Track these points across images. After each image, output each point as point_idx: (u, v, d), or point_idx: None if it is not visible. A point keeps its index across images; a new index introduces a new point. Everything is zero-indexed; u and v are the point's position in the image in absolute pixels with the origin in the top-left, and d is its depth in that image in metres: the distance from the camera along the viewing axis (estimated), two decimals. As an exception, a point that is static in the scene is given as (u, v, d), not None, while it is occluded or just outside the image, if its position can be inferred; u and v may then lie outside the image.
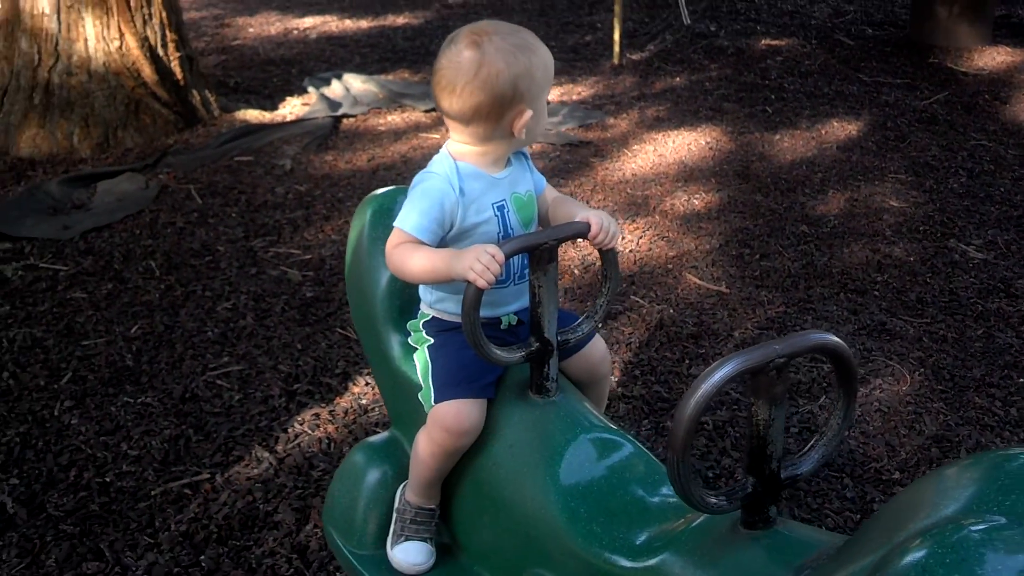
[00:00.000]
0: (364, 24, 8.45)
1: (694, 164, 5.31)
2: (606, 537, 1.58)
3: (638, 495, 1.67)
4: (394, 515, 1.99)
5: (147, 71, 5.33)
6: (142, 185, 4.82)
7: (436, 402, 1.83)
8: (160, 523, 2.68)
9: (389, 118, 6.04)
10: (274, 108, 6.10)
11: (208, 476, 2.86)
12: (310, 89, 6.41)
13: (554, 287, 1.77)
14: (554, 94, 6.58)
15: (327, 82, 6.52)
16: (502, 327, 1.91)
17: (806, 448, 1.47)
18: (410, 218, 1.78)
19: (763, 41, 7.86)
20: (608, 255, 1.83)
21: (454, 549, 1.98)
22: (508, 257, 1.66)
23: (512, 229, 1.85)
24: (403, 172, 5.11)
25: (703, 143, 5.62)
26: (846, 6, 9.18)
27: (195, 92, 5.65)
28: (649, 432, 3.03)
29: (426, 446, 1.85)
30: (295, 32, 8.15)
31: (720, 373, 1.29)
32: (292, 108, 6.12)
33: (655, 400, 3.19)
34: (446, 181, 1.80)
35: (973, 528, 0.97)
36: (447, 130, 1.92)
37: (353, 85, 6.47)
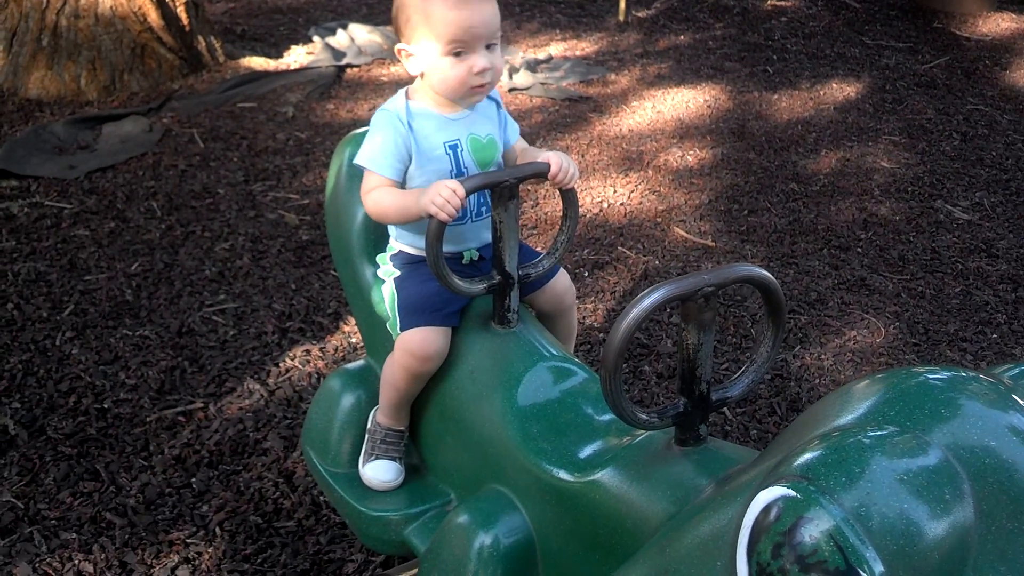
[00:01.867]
0: (373, -25, 8.48)
1: (691, 121, 5.38)
2: (554, 454, 1.70)
3: (587, 414, 1.78)
4: (366, 436, 2.10)
5: (153, 16, 5.41)
6: (146, 128, 4.91)
7: (402, 330, 1.93)
8: (154, 447, 2.81)
9: (392, 69, 6.10)
10: (279, 56, 6.17)
11: (201, 405, 2.99)
12: (315, 38, 6.47)
13: (515, 223, 1.87)
14: (557, 49, 6.63)
15: (332, 32, 6.58)
16: (463, 262, 2.01)
17: (737, 374, 1.57)
18: (372, 155, 1.88)
19: (769, 2, 7.88)
20: (568, 195, 1.92)
21: (421, 468, 2.10)
22: (469, 193, 1.76)
23: (465, 168, 1.93)
24: (403, 122, 5.19)
25: (702, 101, 5.68)
26: (856, -32, 9.16)
27: (200, 38, 5.72)
28: (627, 375, 3.14)
29: (394, 371, 1.96)
30: (303, -18, 8.19)
31: (651, 298, 1.38)
32: (297, 57, 6.19)
33: (635, 346, 3.30)
34: (395, 116, 1.89)
35: (862, 434, 1.06)
36: None
37: (358, 35, 6.52)
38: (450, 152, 1.91)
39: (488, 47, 1.84)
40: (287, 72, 5.82)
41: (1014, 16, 7.45)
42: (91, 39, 5.30)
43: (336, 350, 3.28)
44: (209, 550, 2.46)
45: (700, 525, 1.24)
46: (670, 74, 6.18)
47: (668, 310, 3.50)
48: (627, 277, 3.72)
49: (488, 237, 1.96)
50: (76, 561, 2.41)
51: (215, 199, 4.28)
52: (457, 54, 1.82)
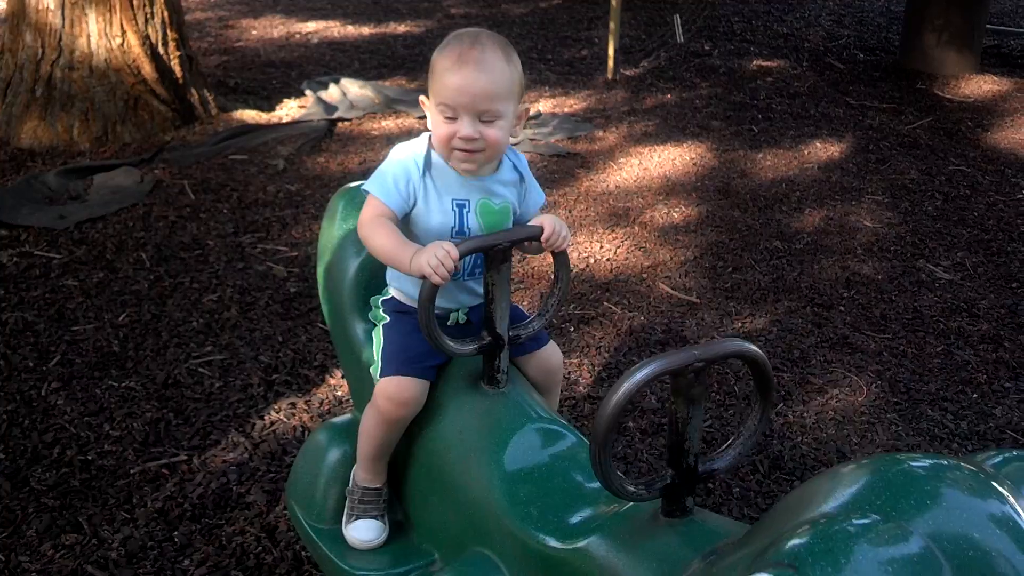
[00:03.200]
0: (366, 30, 8.60)
1: (677, 179, 5.45)
2: (541, 519, 1.70)
3: (576, 481, 1.79)
4: (347, 500, 2.11)
5: (147, 68, 5.47)
6: (137, 179, 4.95)
7: (381, 376, 1.97)
8: (137, 500, 2.80)
9: (383, 123, 6.18)
10: (271, 109, 6.24)
11: (185, 458, 2.99)
12: (307, 92, 6.55)
13: (506, 285, 1.90)
14: (546, 106, 6.73)
15: (325, 86, 6.66)
16: (449, 323, 2.04)
17: (724, 446, 1.60)
18: (380, 183, 1.92)
19: (755, 62, 8.01)
20: (559, 257, 1.96)
21: (406, 526, 2.10)
22: (463, 255, 1.79)
23: (468, 229, 1.95)
24: (393, 176, 5.24)
25: (688, 159, 5.76)
26: (840, 30, 9.34)
27: (194, 90, 5.79)
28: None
29: (370, 417, 1.98)
30: (297, 36, 8.30)
31: (642, 373, 1.41)
32: (289, 110, 6.26)
33: (619, 402, 3.31)
34: (412, 158, 1.93)
35: (848, 523, 1.08)
36: None
37: (350, 90, 6.61)
38: (456, 210, 1.94)
39: (483, 119, 1.87)
40: (279, 125, 5.89)
41: (995, 78, 7.60)
42: (85, 90, 5.36)
43: (322, 403, 3.28)
44: (190, 605, 2.45)
45: None
46: (656, 132, 6.27)
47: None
48: (612, 332, 3.75)
49: (476, 300, 1.99)
50: (56, 615, 2.40)
51: (204, 251, 4.30)
52: (447, 117, 1.86)
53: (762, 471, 3.02)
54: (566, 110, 6.67)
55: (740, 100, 7.03)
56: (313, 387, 3.38)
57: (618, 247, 4.52)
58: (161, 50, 5.55)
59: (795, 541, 1.07)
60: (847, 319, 4.00)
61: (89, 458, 2.95)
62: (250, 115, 6.00)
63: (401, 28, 8.81)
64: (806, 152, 6.03)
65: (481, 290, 1.96)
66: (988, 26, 8.33)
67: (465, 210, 1.95)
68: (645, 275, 4.25)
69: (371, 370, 2.02)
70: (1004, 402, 3.42)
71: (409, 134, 5.96)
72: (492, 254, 1.85)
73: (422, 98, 1.95)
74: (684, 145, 5.99)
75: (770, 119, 6.65)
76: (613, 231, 4.70)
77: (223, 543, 2.66)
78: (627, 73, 7.62)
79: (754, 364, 1.50)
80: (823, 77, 7.68)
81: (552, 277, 2.01)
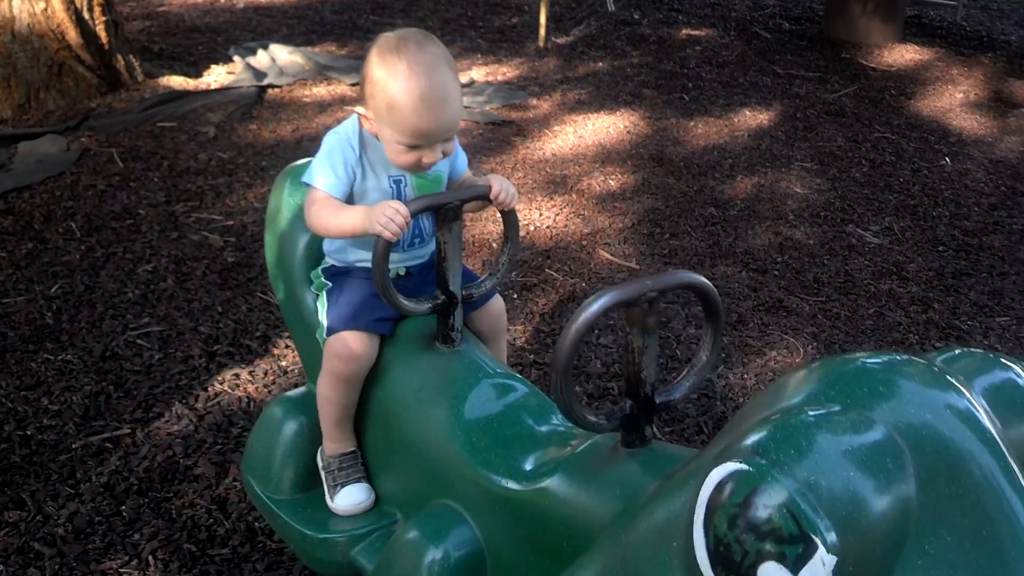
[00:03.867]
0: (292, -4, 8.46)
1: (612, 146, 5.48)
2: (502, 465, 1.73)
3: (530, 426, 1.83)
4: (322, 475, 2.10)
5: (72, 34, 5.30)
6: (63, 147, 4.81)
7: (328, 335, 1.97)
8: (81, 475, 2.75)
9: (314, 90, 6.09)
10: (198, 75, 6.10)
11: (128, 431, 2.94)
12: (235, 58, 6.42)
13: (458, 244, 1.91)
14: (479, 74, 6.70)
15: (253, 52, 6.54)
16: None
17: (679, 377, 1.63)
18: (321, 175, 1.93)
19: (684, 31, 8.08)
20: (509, 217, 1.98)
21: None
22: (414, 214, 1.80)
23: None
24: (327, 144, 5.18)
25: (621, 127, 5.80)
26: (765, 0, 9.45)
27: (119, 56, 5.63)
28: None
29: (324, 380, 1.99)
30: (222, 1, 8.11)
31: (598, 304, 1.44)
32: (217, 76, 6.13)
33: (564, 367, 3.34)
34: (347, 140, 1.95)
35: (808, 412, 1.12)
36: None
37: (279, 56, 6.49)
38: (393, 186, 1.98)
39: (446, 139, 1.90)
40: (208, 92, 5.76)
41: (917, 48, 7.77)
42: (6, 56, 5.17)
43: (266, 374, 3.25)
44: (142, 578, 2.42)
45: (654, 511, 1.29)
46: (590, 100, 6.29)
47: (597, 331, 3.56)
48: (555, 299, 3.78)
49: (419, 258, 2.01)
50: (3, 592, 2.35)
51: (136, 220, 4.21)
52: (411, 147, 1.88)
53: (706, 432, 3.08)
54: (499, 78, 6.65)
55: (670, 69, 7.09)
56: (256, 358, 3.34)
57: (557, 214, 4.54)
58: (86, 15, 5.38)
59: (757, 433, 1.10)
60: (782, 283, 4.09)
61: (28, 433, 2.89)
62: (177, 81, 5.86)
63: (328, -6, 8.67)
64: (736, 120, 6.12)
65: (422, 251, 2.00)
66: (908, -4, 8.52)
67: (402, 184, 2.00)
68: (585, 242, 4.28)
69: (317, 335, 2.03)
70: (934, 362, 3.54)
71: (342, 101, 5.90)
72: (443, 213, 1.87)
73: (360, 112, 1.95)
74: (617, 113, 6.03)
75: (700, 88, 6.72)
76: (552, 199, 4.71)
77: (173, 516, 2.63)
78: (558, 41, 7.62)
79: (703, 294, 1.54)
80: (750, 46, 7.77)
81: (502, 237, 2.03)
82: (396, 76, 1.84)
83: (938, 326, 3.80)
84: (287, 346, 3.41)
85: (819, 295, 4.01)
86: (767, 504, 1.03)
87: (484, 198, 1.91)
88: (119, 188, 4.49)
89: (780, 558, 1.02)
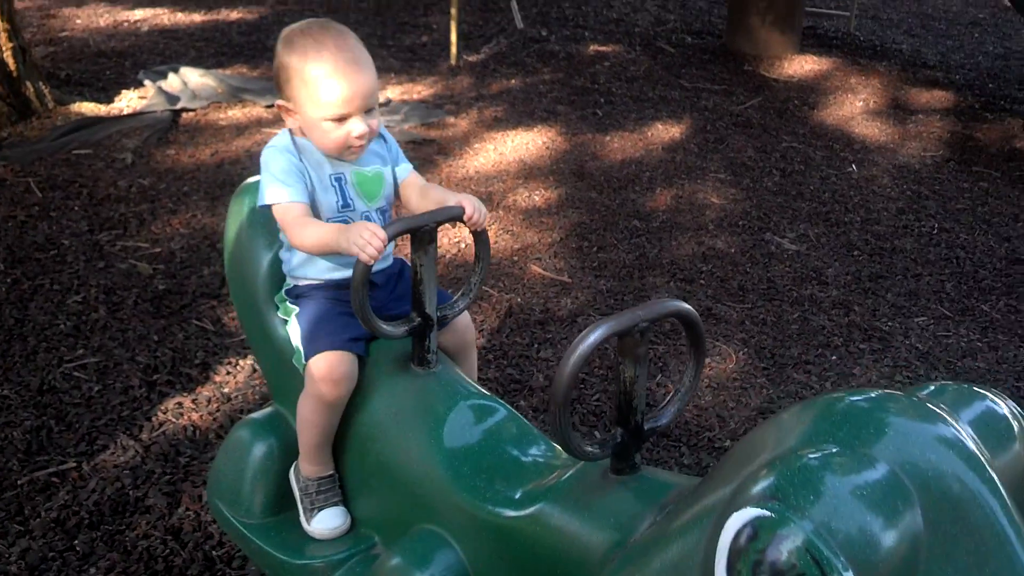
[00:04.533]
0: (197, 18, 8.33)
1: (533, 162, 5.56)
2: (489, 492, 1.76)
3: (513, 455, 1.86)
4: (298, 496, 2.09)
5: (-24, 61, 5.16)
6: (-24, 178, 4.68)
7: (307, 359, 1.97)
8: (30, 511, 2.69)
9: (230, 112, 6.04)
10: (110, 101, 5.99)
11: (74, 464, 2.88)
12: (146, 82, 6.32)
13: (433, 266, 1.94)
14: (395, 92, 6.72)
15: (163, 75, 6.44)
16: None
17: (663, 403, 1.69)
18: (277, 190, 1.94)
19: (591, 47, 8.23)
20: (480, 236, 2.02)
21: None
22: (391, 238, 1.82)
23: (351, 200, 2.01)
24: (248, 167, 5.14)
25: (540, 143, 5.89)
26: (667, 15, 9.68)
27: (28, 84, 5.48)
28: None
29: (307, 404, 1.98)
30: (125, 24, 7.96)
31: (594, 335, 1.48)
32: (129, 101, 6.02)
33: (508, 382, 3.40)
34: (285, 149, 1.98)
35: (817, 454, 1.16)
36: None
37: (191, 79, 6.41)
38: (335, 184, 1.99)
39: (367, 111, 1.93)
40: (121, 117, 5.66)
41: (815, 58, 8.06)
42: (-91, 84, 5.01)
43: (209, 401, 3.22)
44: (104, 614, 2.39)
45: (666, 550, 1.33)
46: (506, 117, 6.36)
47: (537, 344, 3.62)
48: (493, 315, 3.83)
49: (385, 261, 2.04)
50: (-40, 637, 2.29)
51: (60, 250, 4.12)
52: (338, 119, 1.90)
53: (651, 440, 3.16)
54: (415, 96, 6.69)
55: (582, 84, 7.22)
56: (197, 386, 3.31)
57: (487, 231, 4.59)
58: (-9, 41, 5.24)
59: (772, 477, 1.14)
60: (708, 291, 4.21)
61: (-31, 472, 2.81)
62: (89, 108, 5.75)
63: (234, 15, 8.58)
64: (649, 134, 6.26)
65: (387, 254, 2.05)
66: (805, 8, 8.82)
67: (343, 183, 2.02)
68: (517, 257, 4.34)
69: (294, 361, 2.03)
70: (861, 362, 3.69)
71: (259, 123, 5.86)
72: (419, 235, 1.90)
73: (281, 103, 1.99)
74: (535, 129, 6.11)
75: (612, 103, 6.86)
76: (479, 215, 4.76)
77: (128, 548, 2.59)
78: (470, 59, 7.69)
79: (688, 322, 1.59)
80: (656, 61, 7.96)
81: (474, 256, 2.07)
82: (305, 52, 1.91)
83: (860, 328, 3.96)
84: (228, 372, 3.39)
85: (745, 302, 4.14)
86: (789, 549, 1.06)
87: (458, 219, 1.94)
88: (39, 218, 4.38)
89: None
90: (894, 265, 4.58)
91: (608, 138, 6.10)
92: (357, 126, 1.93)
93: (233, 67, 7.01)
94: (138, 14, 8.28)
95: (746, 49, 8.16)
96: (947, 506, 1.15)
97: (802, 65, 7.91)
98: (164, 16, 8.29)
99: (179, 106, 5.94)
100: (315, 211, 1.97)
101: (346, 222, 1.95)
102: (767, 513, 1.10)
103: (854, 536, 1.07)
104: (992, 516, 1.16)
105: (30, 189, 4.64)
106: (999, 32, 9.58)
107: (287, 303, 2.10)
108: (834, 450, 1.17)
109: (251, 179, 2.32)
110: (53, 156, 5.01)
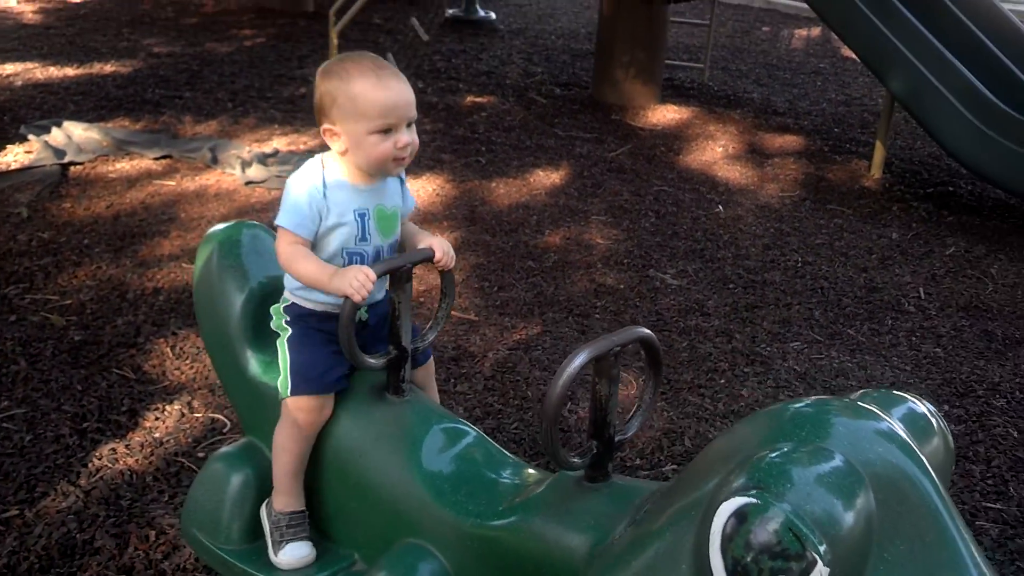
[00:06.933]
0: (70, 71, 8.26)
1: (427, 208, 5.79)
2: (470, 505, 1.97)
3: (487, 472, 2.07)
4: (268, 529, 2.24)
5: None
6: None
7: (293, 394, 2.15)
8: (-22, 559, 2.74)
9: (118, 165, 6.06)
10: (-6, 156, 5.94)
11: (17, 512, 2.94)
12: (30, 137, 6.27)
13: (408, 303, 2.15)
14: (281, 143, 6.85)
15: (47, 130, 6.40)
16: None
17: (628, 417, 1.94)
18: (289, 217, 2.12)
19: (468, 98, 8.54)
20: (446, 276, 2.25)
21: (316, 539, 2.27)
22: (379, 276, 2.03)
23: (370, 235, 2.18)
24: (146, 219, 5.19)
25: (431, 189, 6.13)
26: (533, 68, 10.10)
27: (-89, 139, 5.42)
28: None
29: (283, 432, 2.16)
30: (-3, 78, 7.86)
31: (579, 359, 1.72)
32: (15, 156, 5.98)
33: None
34: (310, 186, 2.13)
35: (782, 452, 1.40)
36: None
37: (74, 133, 6.40)
38: (359, 219, 2.15)
39: (408, 125, 2.11)
40: (9, 172, 5.63)
41: (675, 107, 8.58)
42: None
43: (142, 446, 3.30)
44: (74, 649, 2.46)
45: (655, 542, 1.54)
46: (394, 165, 6.56)
47: (453, 379, 3.84)
48: (408, 354, 4.02)
49: (373, 299, 2.23)
50: None
51: (-33, 305, 4.11)
52: (384, 131, 2.07)
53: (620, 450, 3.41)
54: (302, 147, 6.83)
55: (462, 134, 7.51)
56: (128, 431, 3.39)
57: (390, 275, 4.78)
58: None
59: (751, 470, 1.37)
60: (604, 325, 4.51)
61: (-89, 525, 2.83)
62: (-26, 163, 5.69)
63: (108, 68, 8.54)
64: (531, 180, 6.58)
65: (379, 294, 2.23)
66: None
67: (366, 218, 2.17)
68: (423, 298, 4.55)
69: (278, 383, 2.19)
70: (747, 384, 4.04)
71: (149, 175, 5.90)
72: (397, 275, 2.11)
73: (327, 127, 2.13)
74: (424, 177, 6.35)
75: (493, 151, 7.17)
76: (381, 260, 4.95)
77: (83, 589, 2.67)
78: (350, 110, 7.86)
79: (648, 344, 1.86)
80: (530, 111, 8.33)
81: (441, 293, 2.29)
82: (348, 73, 2.09)
83: (743, 354, 4.32)
84: (157, 418, 3.48)
85: (639, 333, 4.45)
86: (774, 528, 1.28)
87: (429, 260, 2.16)
88: (-60, 274, 4.36)
89: (789, 572, 1.27)
90: (766, 296, 4.99)
91: (494, 184, 6.39)
92: (402, 137, 2.09)
93: (115, 120, 7.01)
94: (8, 68, 8.17)
95: (612, 100, 8.62)
96: (892, 489, 1.40)
97: (664, 114, 8.41)
98: (36, 70, 8.19)
99: (66, 160, 5.94)
100: (331, 241, 2.13)
101: (361, 255, 2.13)
102: (753, 500, 1.31)
103: (824, 516, 1.30)
104: (928, 496, 1.42)
105: (-73, 245, 4.60)
106: (839, 80, 10.37)
107: (282, 320, 2.24)
108: (799, 446, 1.42)
109: (218, 226, 2.49)
110: (-55, 212, 4.96)
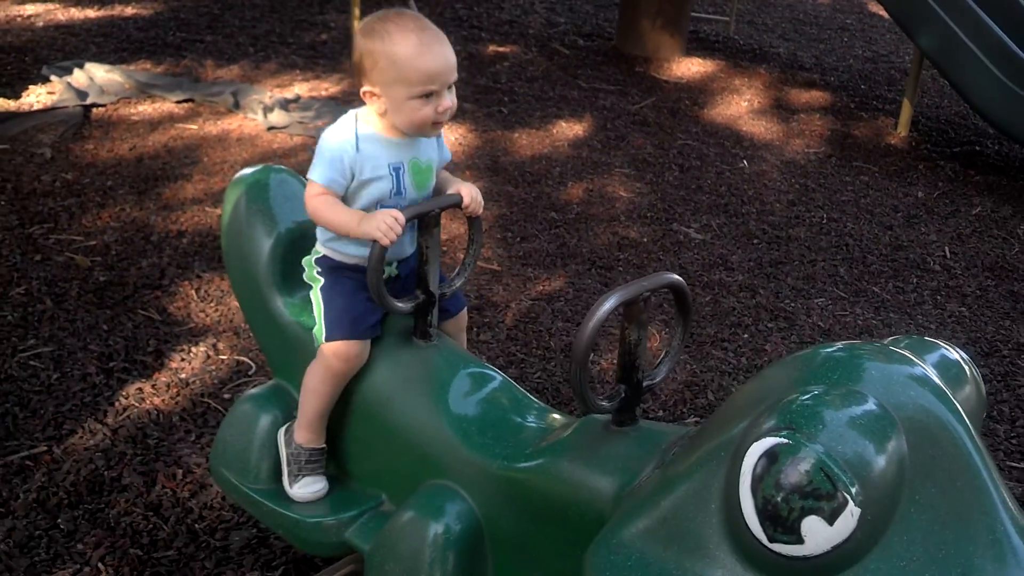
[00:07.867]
0: (92, 13, 8.21)
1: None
2: (497, 447, 1.97)
3: (514, 416, 2.08)
4: (286, 459, 2.25)
5: None
6: None
7: (328, 339, 2.14)
8: (8, 493, 2.78)
9: (140, 108, 6.04)
10: (17, 96, 5.92)
11: (45, 448, 2.97)
12: (52, 78, 6.25)
13: (437, 248, 2.14)
14: (302, 89, 6.81)
15: (69, 71, 6.37)
16: (384, 276, 2.22)
17: (657, 363, 1.93)
18: (319, 171, 2.09)
19: (491, 47, 8.46)
20: (474, 222, 2.23)
21: (343, 478, 2.28)
22: (408, 220, 2.02)
23: (404, 189, 2.15)
24: (169, 162, 5.19)
25: (453, 139, 6.09)
26: (556, 18, 9.99)
27: (-66, 77, 5.41)
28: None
29: (317, 376, 2.15)
30: (18, 19, 7.80)
31: (609, 302, 1.71)
32: (38, 97, 5.96)
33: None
34: (343, 140, 2.10)
35: (814, 393, 1.39)
36: None
37: (96, 74, 6.37)
38: (393, 173, 2.12)
39: (448, 88, 2.07)
40: (33, 113, 5.62)
41: (700, 60, 8.48)
42: None
43: (168, 386, 3.33)
44: (103, 583, 2.50)
45: (684, 483, 1.53)
46: (416, 114, 6.52)
47: (476, 328, 3.84)
48: (431, 302, 4.02)
49: (403, 255, 2.21)
50: (-35, 610, 2.37)
51: (-7, 244, 4.13)
52: (425, 95, 2.04)
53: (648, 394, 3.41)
54: (323, 94, 6.79)
55: (485, 84, 7.44)
56: (154, 372, 3.41)
57: (412, 223, 4.78)
58: None
59: (783, 412, 1.36)
60: (627, 277, 4.50)
61: (-59, 458, 2.87)
62: (-2, 103, 5.69)
63: (129, 11, 8.48)
64: (554, 131, 6.54)
65: (409, 248, 2.20)
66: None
67: (401, 172, 2.14)
68: (446, 248, 4.54)
69: (314, 332, 2.19)
70: (771, 339, 4.03)
71: (171, 118, 5.89)
72: (426, 220, 2.10)
73: (367, 89, 2.10)
74: (446, 127, 6.28)
75: (515, 101, 7.11)
76: (404, 208, 4.94)
77: (111, 525, 2.71)
78: (373, 57, 7.81)
79: (678, 290, 1.85)
80: (553, 62, 8.25)
81: (468, 239, 2.28)
82: (390, 35, 2.04)
83: (767, 309, 4.31)
84: (183, 359, 3.50)
85: (661, 286, 4.44)
86: (805, 469, 1.28)
87: (458, 205, 2.15)
88: (-35, 213, 4.37)
89: (820, 512, 1.28)
90: (791, 252, 4.96)
91: (516, 135, 6.35)
92: (444, 101, 2.05)
93: (136, 63, 6.98)
94: (29, 9, 8.12)
95: (636, 51, 8.53)
96: (924, 433, 1.39)
97: (689, 67, 8.32)
98: (58, 11, 8.14)
99: (89, 101, 5.92)
100: (365, 196, 2.11)
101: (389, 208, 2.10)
102: (784, 440, 1.31)
103: (855, 457, 1.30)
104: (960, 441, 1.41)
105: (-48, 184, 4.61)
106: (866, 36, 10.23)
107: (315, 271, 2.22)
108: (831, 389, 1.41)
109: (243, 171, 2.47)
110: (-30, 151, 4.97)
